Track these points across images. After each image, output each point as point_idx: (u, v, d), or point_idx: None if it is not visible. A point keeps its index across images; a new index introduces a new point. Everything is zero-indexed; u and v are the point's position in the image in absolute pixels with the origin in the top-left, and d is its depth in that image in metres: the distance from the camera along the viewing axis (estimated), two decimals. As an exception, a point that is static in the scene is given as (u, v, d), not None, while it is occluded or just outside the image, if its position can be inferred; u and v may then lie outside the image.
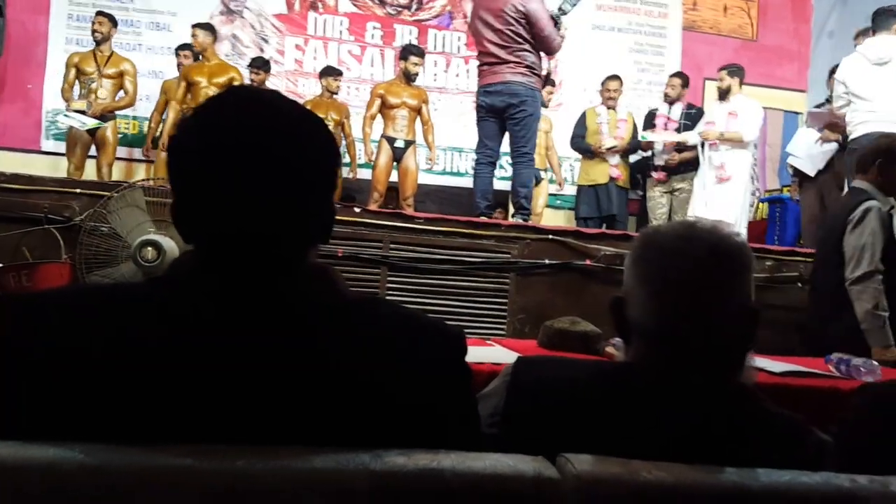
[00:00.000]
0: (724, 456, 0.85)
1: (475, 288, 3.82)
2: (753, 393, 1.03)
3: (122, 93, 6.01)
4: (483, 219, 4.29)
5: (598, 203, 6.10)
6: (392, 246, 3.80)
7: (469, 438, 0.86)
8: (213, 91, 5.29)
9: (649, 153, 6.23)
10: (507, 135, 4.67)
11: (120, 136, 6.15)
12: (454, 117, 7.31)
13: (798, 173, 5.77)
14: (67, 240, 3.51)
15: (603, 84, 6.28)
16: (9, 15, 6.71)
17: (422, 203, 6.66)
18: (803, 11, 8.25)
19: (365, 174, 6.37)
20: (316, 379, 0.77)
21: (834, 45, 7.92)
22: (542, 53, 4.60)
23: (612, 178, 6.07)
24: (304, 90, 7.19)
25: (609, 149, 6.06)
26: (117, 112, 6.04)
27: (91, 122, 5.66)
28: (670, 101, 6.13)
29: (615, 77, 6.27)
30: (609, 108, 6.21)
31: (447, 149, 7.30)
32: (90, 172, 5.87)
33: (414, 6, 7.63)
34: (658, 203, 6.08)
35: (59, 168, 6.18)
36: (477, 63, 4.76)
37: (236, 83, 5.62)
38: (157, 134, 6.30)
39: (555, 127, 6.61)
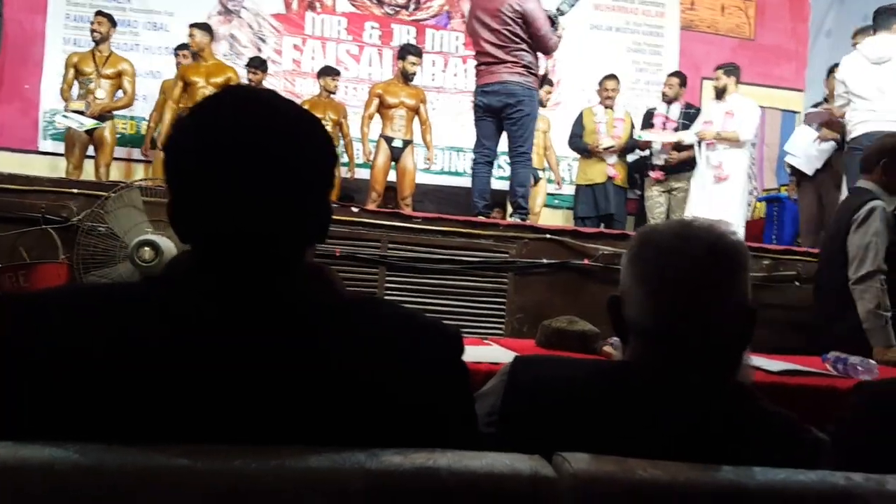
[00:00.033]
0: (722, 455, 0.85)
1: (473, 287, 3.82)
2: (751, 392, 1.04)
3: (120, 93, 6.00)
4: (481, 218, 4.29)
5: (595, 202, 6.10)
6: (390, 245, 3.79)
7: (466, 437, 0.86)
8: (210, 91, 5.27)
9: (647, 153, 6.23)
10: (504, 134, 4.67)
11: (118, 136, 6.15)
12: (452, 117, 7.32)
13: (796, 172, 5.77)
14: (65, 240, 3.50)
15: (600, 84, 6.28)
16: (6, 14, 6.71)
17: (420, 203, 6.66)
18: (801, 11, 8.26)
19: (363, 174, 6.37)
20: (314, 378, 0.77)
21: (831, 44, 7.93)
22: (538, 53, 4.59)
23: (609, 178, 6.08)
24: (302, 90, 7.19)
25: (606, 148, 6.07)
26: (115, 112, 6.03)
27: (89, 123, 5.65)
28: (668, 101, 6.13)
29: (612, 77, 6.27)
30: (606, 107, 6.21)
31: (445, 148, 7.30)
32: (88, 172, 5.86)
33: (412, 6, 7.63)
34: (656, 202, 6.08)
35: (57, 168, 6.18)
36: (474, 63, 4.76)
37: (233, 83, 5.62)
38: (156, 134, 6.29)
39: (553, 126, 6.61)
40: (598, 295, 3.61)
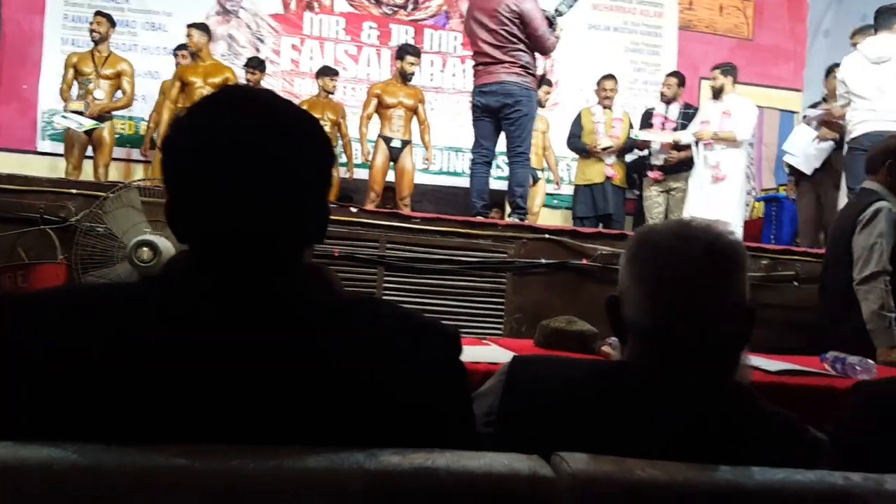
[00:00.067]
0: (720, 455, 0.85)
1: (472, 287, 3.82)
2: (749, 392, 1.04)
3: (119, 93, 5.99)
4: (479, 218, 4.29)
5: (594, 202, 6.11)
6: (389, 246, 3.79)
7: (465, 437, 0.86)
8: (207, 91, 5.28)
9: (646, 152, 6.23)
10: (503, 135, 4.67)
11: (116, 136, 6.14)
12: (451, 117, 7.32)
13: (794, 172, 5.78)
14: (63, 240, 3.50)
15: (599, 84, 6.29)
16: (4, 14, 6.71)
17: (418, 203, 6.66)
18: (799, 10, 8.27)
19: (362, 174, 6.37)
20: (313, 379, 0.77)
21: (830, 44, 7.94)
22: (536, 53, 4.59)
23: (607, 178, 6.08)
24: (301, 90, 7.19)
25: (605, 149, 6.07)
26: (114, 112, 6.03)
27: (88, 123, 5.64)
28: (667, 101, 6.13)
29: (611, 77, 6.27)
30: (605, 107, 6.22)
31: (444, 148, 7.30)
32: (88, 173, 5.86)
33: (410, 6, 7.63)
34: (654, 202, 6.08)
35: (56, 169, 6.17)
36: (472, 63, 4.76)
37: (231, 83, 5.61)
38: (155, 134, 6.29)
39: (551, 126, 6.61)
40: (596, 295, 3.61)
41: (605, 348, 2.28)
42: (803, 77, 8.12)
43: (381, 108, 6.01)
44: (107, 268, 3.33)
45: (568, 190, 6.92)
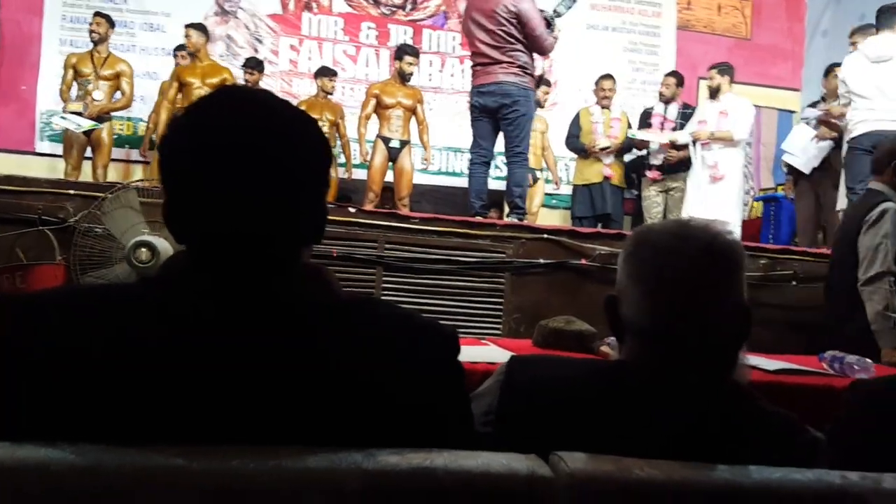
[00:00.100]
0: (718, 454, 0.85)
1: (470, 288, 3.82)
2: (748, 391, 1.04)
3: (118, 94, 5.98)
4: (478, 219, 4.29)
5: (592, 202, 6.11)
6: (387, 246, 3.80)
7: (463, 437, 0.86)
8: (205, 92, 5.27)
9: (644, 152, 6.23)
10: (501, 135, 4.67)
11: (115, 137, 6.13)
12: (449, 117, 7.31)
13: (793, 171, 5.78)
14: (62, 241, 3.50)
15: (597, 83, 6.29)
16: (3, 15, 6.71)
17: (417, 203, 6.66)
18: (797, 10, 8.27)
19: (360, 174, 6.36)
20: (311, 378, 0.78)
21: (828, 43, 7.95)
22: (535, 54, 4.60)
23: (605, 178, 6.08)
24: (299, 90, 7.19)
25: (603, 149, 6.07)
26: (113, 113, 6.02)
27: (87, 124, 5.63)
28: (666, 101, 6.14)
29: (609, 76, 6.28)
30: (603, 107, 6.22)
31: (442, 149, 7.30)
32: (87, 174, 5.86)
33: (408, 6, 7.63)
34: (653, 202, 6.08)
35: (55, 170, 6.17)
36: (470, 63, 4.76)
37: (228, 84, 5.61)
38: (154, 135, 6.29)
39: (550, 126, 6.61)
40: (595, 295, 3.61)
41: (604, 348, 2.28)
42: (801, 77, 8.12)
43: (380, 108, 6.01)
44: (105, 268, 3.33)
45: (567, 190, 6.92)
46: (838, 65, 5.16)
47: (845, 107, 4.73)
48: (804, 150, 5.53)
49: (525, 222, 4.52)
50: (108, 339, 0.76)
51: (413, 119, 6.11)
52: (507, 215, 5.30)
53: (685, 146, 5.83)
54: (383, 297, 3.62)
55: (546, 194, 6.90)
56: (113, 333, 0.76)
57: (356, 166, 6.46)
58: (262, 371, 0.77)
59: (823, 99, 5.71)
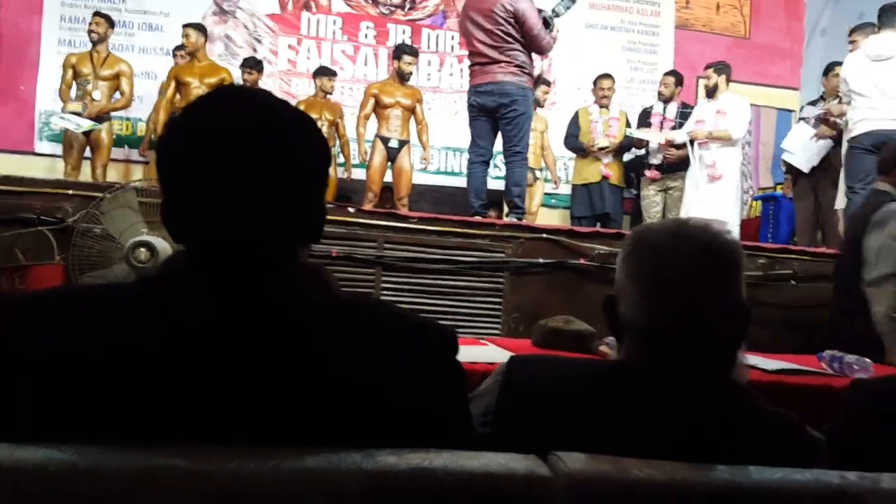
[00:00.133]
0: (718, 454, 0.85)
1: (470, 287, 3.82)
2: (747, 391, 1.04)
3: (118, 94, 5.97)
4: (477, 218, 4.29)
5: (591, 202, 6.11)
6: (386, 246, 3.79)
7: (462, 437, 0.86)
8: (204, 91, 5.27)
9: (643, 152, 6.23)
10: (500, 134, 4.67)
11: (114, 137, 6.12)
12: (448, 116, 7.31)
13: (792, 170, 5.78)
14: (60, 241, 3.49)
15: (595, 83, 6.29)
16: (2, 15, 6.70)
17: (416, 203, 6.65)
18: (796, 9, 8.27)
19: (359, 174, 6.36)
20: (310, 378, 0.78)
21: (826, 43, 7.95)
22: (533, 53, 4.60)
23: (603, 178, 6.08)
24: (298, 90, 7.18)
25: (602, 148, 6.07)
26: (112, 113, 6.02)
27: (86, 124, 5.62)
28: (665, 100, 6.14)
29: (607, 76, 6.28)
30: (602, 106, 6.22)
31: (441, 148, 7.30)
32: (87, 174, 5.86)
33: (407, 6, 7.62)
34: (652, 202, 6.08)
35: (54, 170, 6.17)
36: (469, 63, 4.76)
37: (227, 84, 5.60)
38: (154, 135, 6.29)
39: (549, 126, 6.61)
40: (594, 294, 3.61)
41: (603, 348, 2.28)
42: (800, 76, 8.12)
43: (379, 108, 6.00)
44: (104, 269, 3.32)
45: (566, 189, 6.92)
46: (838, 64, 5.17)
47: (845, 105, 4.73)
48: (804, 148, 5.53)
49: (524, 222, 4.52)
50: (107, 338, 0.76)
51: (412, 119, 6.10)
52: (507, 215, 5.30)
53: (684, 145, 5.84)
54: (382, 297, 3.62)
55: (545, 194, 6.90)
56: (112, 333, 0.76)
57: (355, 166, 6.45)
58: (261, 371, 0.77)
59: (823, 98, 5.71)
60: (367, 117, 6.03)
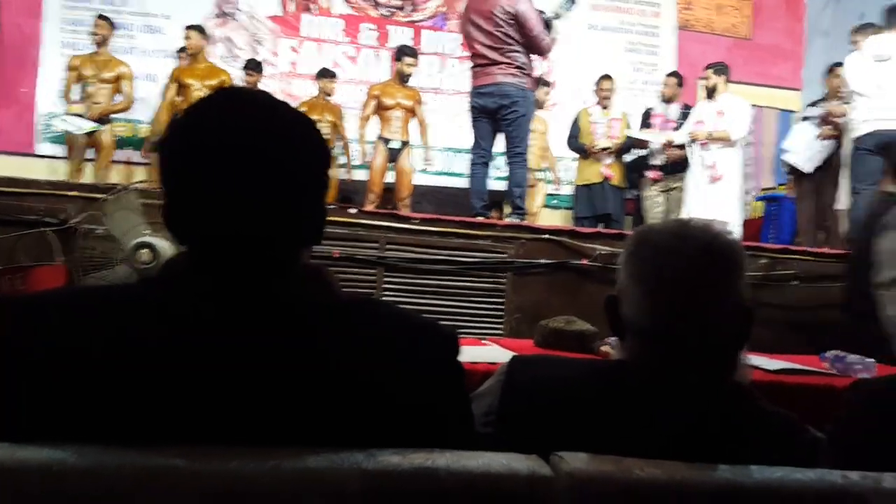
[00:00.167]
0: (719, 454, 0.85)
1: (471, 288, 3.82)
2: (749, 391, 1.04)
3: (119, 96, 5.98)
4: (479, 219, 4.29)
5: (592, 203, 6.11)
6: (388, 247, 3.80)
7: (463, 438, 0.86)
8: (205, 93, 5.28)
9: (645, 152, 6.23)
10: (501, 135, 4.67)
11: (116, 138, 6.14)
12: (449, 118, 7.30)
13: (793, 171, 5.78)
14: (62, 243, 3.50)
15: (596, 84, 6.29)
16: (3, 18, 6.70)
17: (418, 204, 6.64)
18: (797, 10, 8.27)
19: (361, 175, 6.36)
20: (312, 379, 0.78)
21: (828, 43, 7.94)
22: (533, 55, 4.60)
23: (604, 178, 6.08)
24: (299, 92, 7.18)
25: (603, 149, 6.07)
26: (113, 115, 6.02)
27: (87, 126, 5.64)
28: (666, 101, 6.14)
29: (608, 77, 6.28)
30: (603, 108, 6.22)
31: (443, 149, 7.29)
32: (89, 175, 5.86)
33: (408, 7, 7.62)
34: (654, 202, 6.08)
35: (56, 172, 6.18)
36: (469, 64, 4.76)
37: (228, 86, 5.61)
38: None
39: (550, 127, 6.61)
40: (595, 295, 3.61)
41: (605, 348, 2.28)
42: (802, 76, 8.12)
43: (380, 109, 6.01)
44: (106, 270, 3.33)
45: (568, 190, 6.92)
46: (839, 64, 5.16)
47: (847, 105, 4.73)
48: (806, 148, 5.53)
49: (526, 222, 4.52)
50: (109, 339, 0.76)
51: (413, 120, 6.11)
52: (508, 215, 5.30)
53: (684, 146, 5.83)
54: (384, 298, 3.62)
55: (547, 195, 6.90)
56: (113, 334, 0.76)
57: (356, 167, 6.45)
58: (263, 371, 0.77)
59: (824, 98, 5.71)
60: (368, 119, 6.05)
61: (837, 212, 5.09)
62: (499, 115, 4.53)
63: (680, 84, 6.14)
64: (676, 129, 5.95)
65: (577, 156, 6.40)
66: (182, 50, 6.29)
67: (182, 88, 5.82)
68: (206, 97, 0.87)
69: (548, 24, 4.51)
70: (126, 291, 0.85)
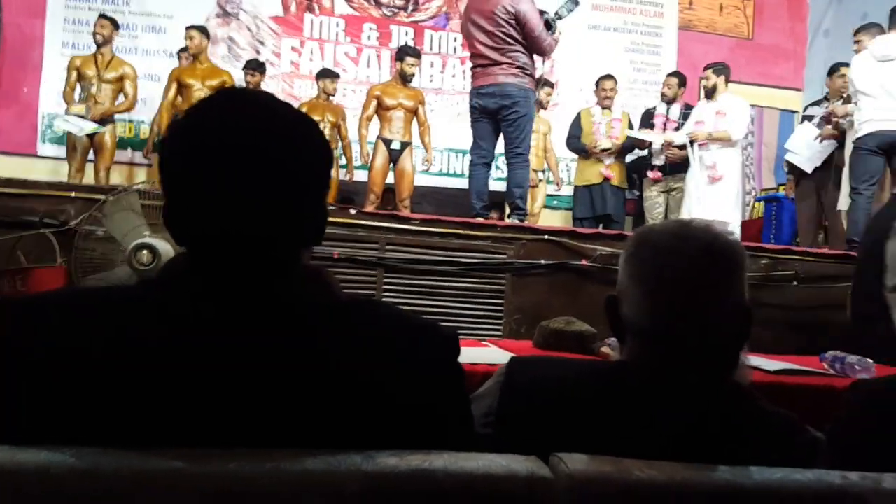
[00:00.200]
0: (719, 455, 0.85)
1: (471, 289, 3.82)
2: (748, 392, 1.04)
3: (121, 97, 5.98)
4: (479, 220, 4.29)
5: (593, 203, 6.10)
6: (388, 247, 3.79)
7: (463, 439, 0.86)
8: (206, 94, 5.28)
9: (646, 152, 6.23)
10: (502, 135, 4.67)
11: (117, 139, 6.13)
12: (450, 118, 7.31)
13: (794, 171, 5.78)
14: (63, 244, 3.50)
15: (598, 84, 6.29)
16: (5, 18, 6.71)
17: (418, 204, 6.65)
18: (799, 10, 8.27)
19: (361, 176, 6.37)
20: (311, 379, 0.78)
21: (830, 44, 7.95)
22: (534, 55, 4.60)
23: (604, 179, 6.08)
24: (301, 92, 7.19)
25: (604, 150, 6.07)
26: (116, 115, 6.03)
27: (89, 127, 5.63)
28: (668, 101, 6.13)
29: (610, 77, 6.27)
30: (604, 108, 6.21)
31: (444, 150, 7.30)
32: (90, 176, 5.86)
33: (410, 7, 7.63)
34: (655, 203, 6.07)
35: (58, 172, 6.18)
36: (470, 65, 4.76)
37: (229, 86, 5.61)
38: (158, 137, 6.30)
39: (551, 127, 6.61)
40: (595, 295, 3.61)
41: (605, 349, 2.28)
42: (803, 77, 8.12)
43: (381, 109, 6.01)
44: (106, 271, 3.33)
45: (568, 191, 6.92)
46: (842, 64, 5.17)
47: (850, 105, 4.72)
48: (808, 148, 5.53)
49: (526, 223, 4.52)
50: (109, 340, 0.76)
51: (414, 120, 6.11)
52: (508, 216, 5.30)
53: (684, 146, 5.83)
54: (384, 299, 3.62)
55: (547, 195, 6.90)
56: (113, 334, 0.76)
57: (357, 168, 6.46)
58: (262, 372, 0.77)
59: (827, 98, 5.70)
60: (369, 119, 6.04)
61: (838, 212, 5.09)
62: (500, 115, 4.52)
63: (681, 84, 6.14)
64: (678, 129, 5.95)
65: (577, 156, 6.39)
66: (183, 50, 6.29)
67: (183, 89, 5.82)
68: (208, 97, 0.87)
69: (549, 25, 4.51)
70: (126, 292, 0.85)
